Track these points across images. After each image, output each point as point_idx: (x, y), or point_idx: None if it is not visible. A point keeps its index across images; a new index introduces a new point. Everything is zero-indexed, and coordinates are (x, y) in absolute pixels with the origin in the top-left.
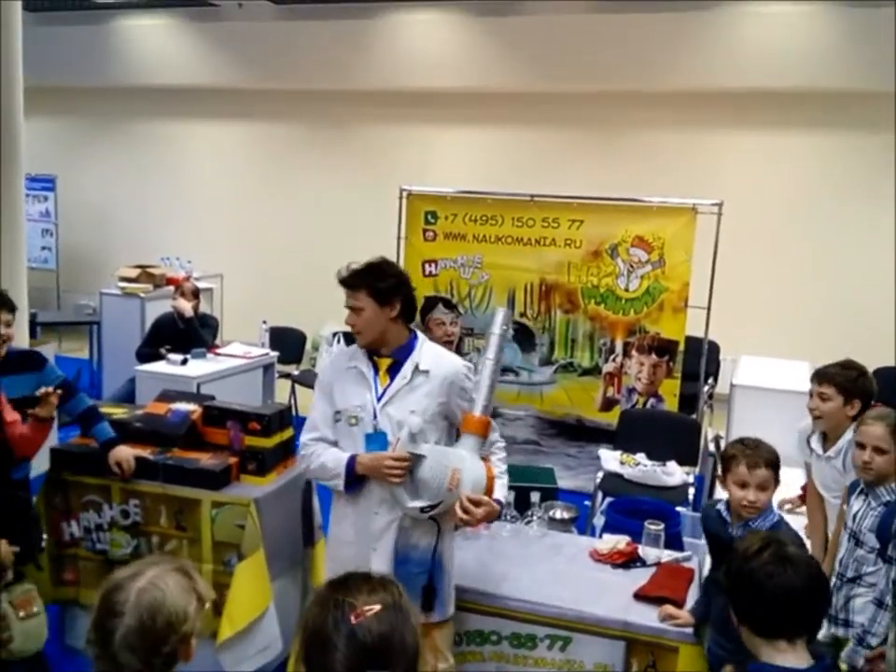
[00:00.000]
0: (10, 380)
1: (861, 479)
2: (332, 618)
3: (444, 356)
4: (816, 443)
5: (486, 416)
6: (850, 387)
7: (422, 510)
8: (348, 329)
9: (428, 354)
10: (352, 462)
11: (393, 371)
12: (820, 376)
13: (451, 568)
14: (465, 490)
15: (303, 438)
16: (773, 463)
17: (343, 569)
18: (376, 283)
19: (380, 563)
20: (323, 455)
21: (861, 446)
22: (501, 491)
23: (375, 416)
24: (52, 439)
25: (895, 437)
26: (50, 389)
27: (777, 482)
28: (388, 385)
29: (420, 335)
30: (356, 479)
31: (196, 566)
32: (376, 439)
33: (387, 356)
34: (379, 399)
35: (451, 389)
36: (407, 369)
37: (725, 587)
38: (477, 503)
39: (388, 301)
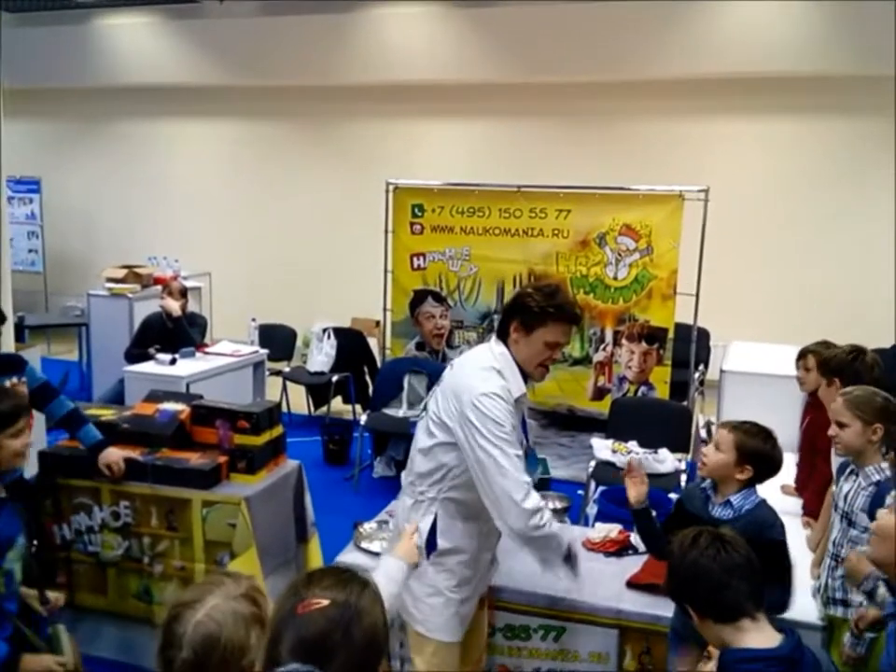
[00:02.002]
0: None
1: (850, 460)
2: (285, 607)
3: None
4: None
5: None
6: (831, 367)
7: None
8: (338, 324)
9: None
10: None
11: None
12: (803, 352)
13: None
14: None
15: (526, 486)
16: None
17: (462, 590)
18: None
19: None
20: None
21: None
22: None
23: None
24: (41, 442)
25: (851, 409)
26: (14, 380)
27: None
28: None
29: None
30: None
31: (188, 565)
32: (532, 458)
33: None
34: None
35: None
36: None
37: (675, 591)
38: None
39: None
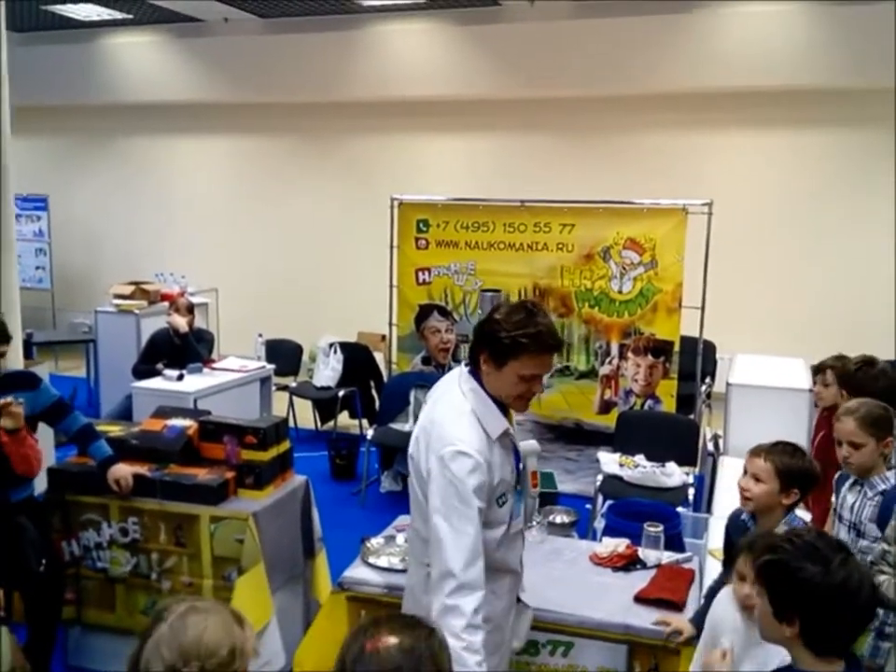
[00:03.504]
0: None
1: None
2: (354, 643)
3: None
4: None
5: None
6: (850, 381)
7: None
8: (344, 339)
9: None
10: None
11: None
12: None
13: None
14: None
15: (472, 585)
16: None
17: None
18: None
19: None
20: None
21: (839, 443)
22: None
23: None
24: (50, 459)
25: (866, 429)
26: (9, 399)
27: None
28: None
29: None
30: None
31: (196, 581)
32: (519, 495)
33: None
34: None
35: None
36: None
37: (790, 599)
38: None
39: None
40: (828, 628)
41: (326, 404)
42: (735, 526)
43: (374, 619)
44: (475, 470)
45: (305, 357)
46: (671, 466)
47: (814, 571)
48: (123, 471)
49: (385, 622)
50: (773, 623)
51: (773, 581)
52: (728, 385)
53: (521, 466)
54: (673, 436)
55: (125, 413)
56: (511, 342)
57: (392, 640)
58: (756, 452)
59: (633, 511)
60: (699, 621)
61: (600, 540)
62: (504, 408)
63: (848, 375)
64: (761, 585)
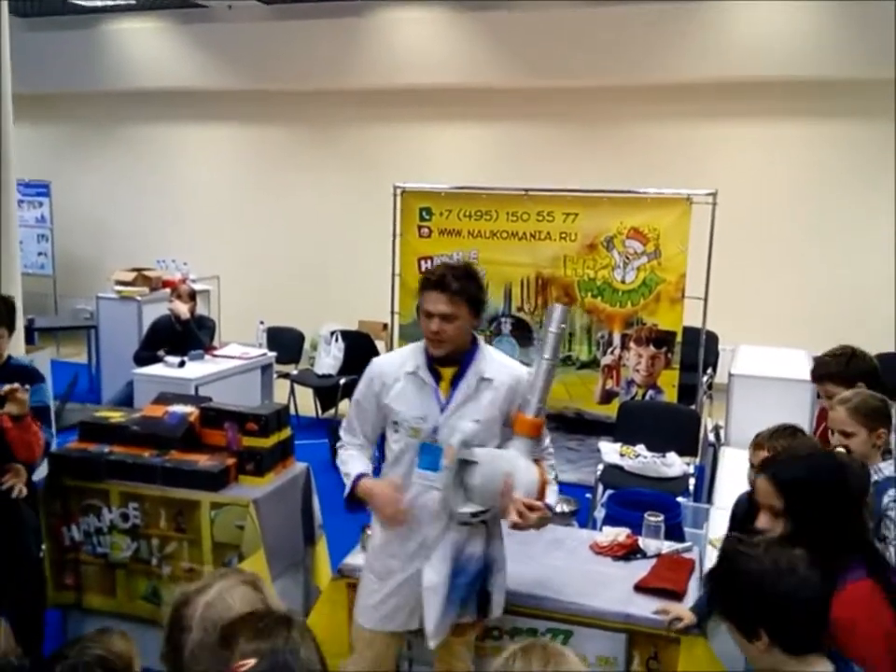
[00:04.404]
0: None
1: None
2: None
3: (507, 363)
4: None
5: (540, 418)
6: (846, 373)
7: (473, 514)
8: (346, 327)
9: (492, 361)
10: (356, 481)
11: (455, 380)
12: (816, 374)
13: (504, 569)
14: (518, 494)
15: (341, 435)
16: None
17: (386, 582)
18: (478, 292)
19: (433, 575)
20: (350, 461)
21: (831, 432)
22: (553, 496)
23: (436, 430)
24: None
25: (857, 418)
26: (16, 386)
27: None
28: (451, 396)
29: (481, 341)
30: (356, 500)
31: (196, 567)
32: (430, 451)
33: (451, 364)
34: (443, 411)
35: (514, 397)
36: (472, 378)
37: (749, 611)
38: (531, 507)
39: (480, 311)
40: (788, 622)
41: (327, 392)
42: (742, 509)
43: (227, 632)
44: (367, 379)
45: (307, 345)
46: (672, 456)
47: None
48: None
49: (239, 632)
50: (748, 647)
51: (726, 601)
52: (730, 375)
53: (440, 421)
54: (674, 426)
55: (126, 400)
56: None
57: (250, 661)
58: (758, 443)
59: (633, 500)
60: (700, 609)
61: (600, 530)
62: (436, 371)
63: (844, 367)
64: (722, 617)
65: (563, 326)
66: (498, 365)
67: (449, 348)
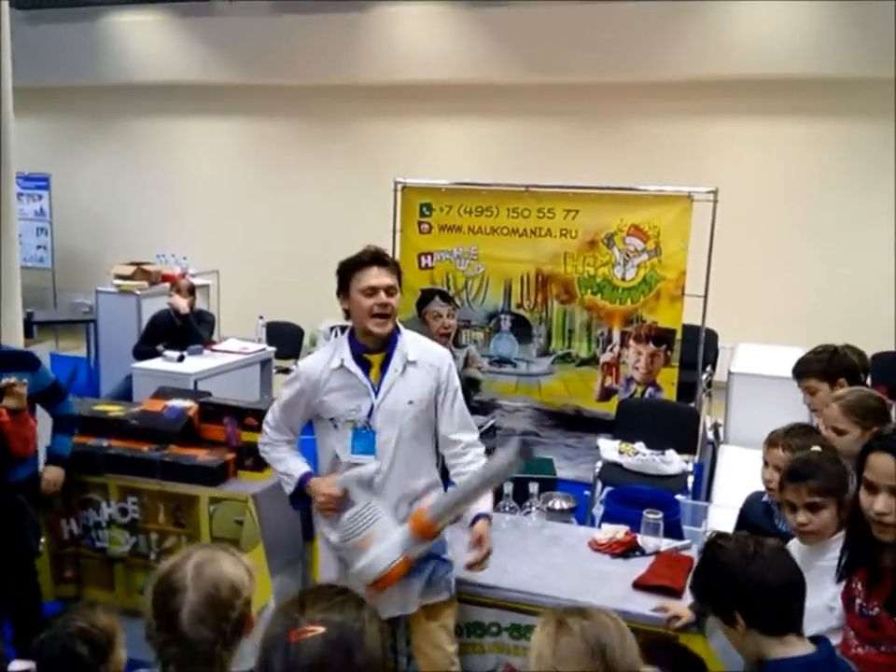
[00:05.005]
0: (5, 378)
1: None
2: (276, 634)
3: (428, 344)
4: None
5: (436, 526)
6: (829, 369)
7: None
8: (346, 323)
9: (413, 344)
10: (304, 480)
11: (384, 365)
12: (798, 372)
13: (448, 551)
14: (356, 565)
15: (268, 432)
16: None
17: (339, 573)
18: (399, 268)
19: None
20: (288, 459)
21: (825, 428)
22: (487, 504)
23: (370, 414)
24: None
25: (850, 416)
26: (13, 380)
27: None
28: (381, 380)
29: (401, 326)
30: (303, 496)
31: None
32: (364, 436)
33: (378, 351)
34: (376, 396)
35: (438, 375)
36: (397, 361)
37: (723, 598)
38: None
39: (400, 289)
40: (758, 604)
41: None
42: (753, 509)
43: (299, 599)
44: (293, 381)
45: (306, 341)
46: (671, 454)
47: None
48: (55, 474)
49: (309, 602)
50: (731, 633)
51: (705, 591)
52: (730, 373)
53: (374, 405)
54: (673, 424)
55: (125, 394)
56: (342, 270)
57: (319, 628)
58: (773, 441)
59: (632, 497)
60: (698, 607)
61: (599, 527)
62: (364, 360)
63: (825, 364)
64: (706, 608)
65: (516, 463)
66: (420, 347)
67: (392, 325)
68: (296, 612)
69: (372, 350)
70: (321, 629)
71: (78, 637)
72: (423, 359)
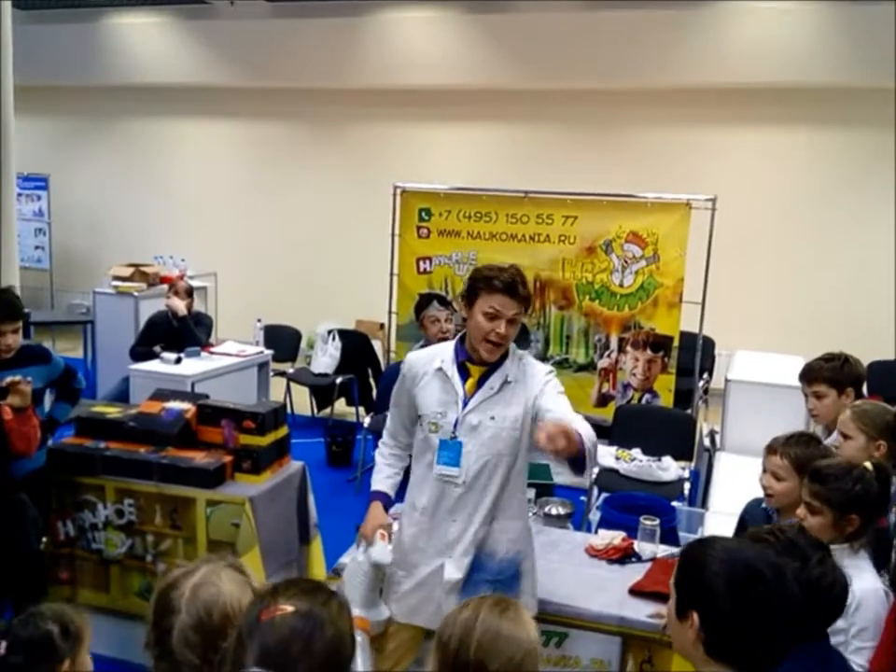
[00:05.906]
0: (21, 373)
1: None
2: (249, 613)
3: (532, 364)
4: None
5: (366, 621)
6: (839, 377)
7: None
8: (343, 326)
9: (518, 366)
10: (373, 497)
11: (482, 379)
12: (808, 375)
13: (532, 580)
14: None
15: (384, 435)
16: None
17: (413, 575)
18: (530, 296)
19: (453, 570)
20: (382, 469)
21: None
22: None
23: (456, 425)
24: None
25: (858, 424)
26: (18, 378)
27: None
28: (475, 394)
29: (513, 346)
30: None
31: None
32: (451, 447)
33: (481, 364)
34: (464, 407)
35: (529, 392)
36: (496, 380)
37: (683, 588)
38: (566, 434)
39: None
40: (714, 602)
41: (323, 391)
42: (753, 515)
43: (273, 586)
44: (402, 376)
45: (303, 344)
46: (667, 460)
47: (792, 567)
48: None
49: (282, 589)
50: (679, 630)
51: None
52: (727, 380)
53: (458, 418)
54: (670, 430)
55: (122, 395)
56: (472, 284)
57: (288, 608)
58: (772, 448)
59: (629, 504)
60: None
61: (596, 533)
62: (466, 369)
63: (837, 372)
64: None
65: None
66: (522, 366)
67: (500, 353)
68: (269, 597)
69: (476, 362)
70: (290, 608)
71: (50, 618)
72: (522, 381)
